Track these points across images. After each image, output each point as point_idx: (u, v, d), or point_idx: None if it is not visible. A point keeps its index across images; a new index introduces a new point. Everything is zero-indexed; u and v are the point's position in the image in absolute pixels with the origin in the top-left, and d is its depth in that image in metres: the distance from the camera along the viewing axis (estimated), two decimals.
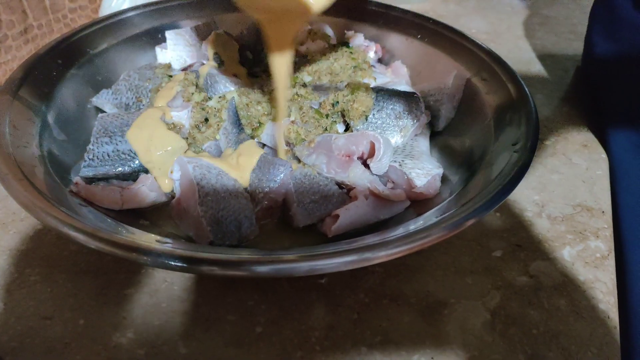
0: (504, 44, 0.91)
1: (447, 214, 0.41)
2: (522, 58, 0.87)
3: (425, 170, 0.51)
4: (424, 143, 0.58)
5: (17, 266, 0.46)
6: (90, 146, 0.50)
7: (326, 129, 0.55)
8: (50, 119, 0.52)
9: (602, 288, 0.47)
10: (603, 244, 0.51)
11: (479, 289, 0.46)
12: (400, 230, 0.41)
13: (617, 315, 0.45)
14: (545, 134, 0.68)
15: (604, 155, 0.64)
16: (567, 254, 0.50)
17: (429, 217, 0.43)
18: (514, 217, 0.54)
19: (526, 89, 0.54)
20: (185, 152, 0.51)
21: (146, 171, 0.49)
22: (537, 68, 0.84)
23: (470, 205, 0.41)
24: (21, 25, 0.69)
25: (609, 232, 0.53)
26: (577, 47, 0.89)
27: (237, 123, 0.54)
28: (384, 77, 0.64)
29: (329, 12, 0.75)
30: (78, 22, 0.78)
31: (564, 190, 0.58)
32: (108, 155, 0.49)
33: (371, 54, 0.69)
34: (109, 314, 0.42)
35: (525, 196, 0.57)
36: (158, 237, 0.40)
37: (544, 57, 0.88)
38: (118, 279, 0.45)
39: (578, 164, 0.62)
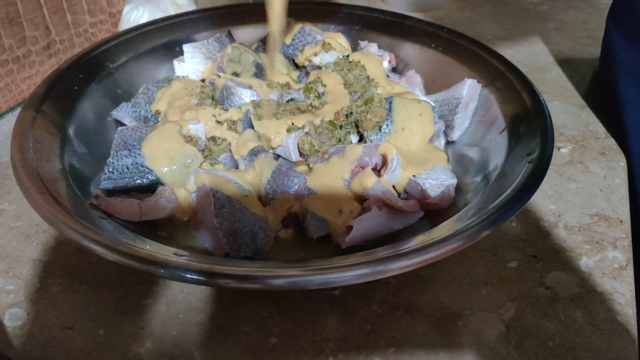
0: (519, 50, 0.91)
1: (460, 225, 0.41)
2: (539, 64, 0.86)
3: (439, 181, 0.51)
4: None
5: (40, 277, 0.48)
6: (110, 159, 0.51)
7: (340, 140, 0.56)
8: (72, 132, 0.54)
9: (620, 300, 0.46)
10: (621, 255, 0.51)
11: (493, 300, 0.46)
12: (413, 242, 0.41)
13: (635, 327, 0.44)
14: (562, 141, 0.67)
15: (622, 163, 0.63)
16: (584, 264, 0.50)
17: (442, 228, 0.43)
18: (530, 227, 0.54)
19: (541, 98, 0.54)
20: (201, 164, 0.52)
21: (164, 183, 0.50)
22: (553, 74, 0.84)
23: (484, 217, 0.41)
24: (44, 41, 0.71)
25: (627, 242, 0.52)
26: (594, 51, 0.88)
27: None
28: (397, 87, 0.65)
29: (343, 21, 0.76)
30: (98, 36, 0.80)
31: (581, 199, 0.58)
32: (127, 168, 0.50)
33: (385, 64, 0.69)
34: (128, 324, 0.43)
35: (542, 205, 0.56)
36: (174, 250, 0.41)
37: (560, 63, 0.87)
38: (137, 290, 0.46)
39: (596, 172, 0.62)
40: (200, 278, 0.36)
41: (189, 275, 0.36)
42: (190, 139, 0.53)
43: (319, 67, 0.68)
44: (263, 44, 0.72)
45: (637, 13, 0.67)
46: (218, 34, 0.71)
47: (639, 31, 0.67)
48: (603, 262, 0.50)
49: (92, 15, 0.78)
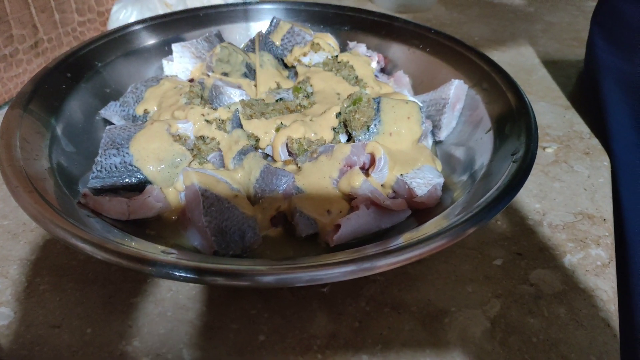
0: (506, 51, 0.92)
1: (446, 223, 0.42)
2: (525, 65, 0.87)
3: (426, 180, 0.51)
4: None
5: (27, 275, 0.47)
6: (98, 158, 0.51)
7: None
8: (60, 131, 0.54)
9: (603, 296, 0.47)
10: (604, 252, 0.52)
11: (479, 297, 0.47)
12: (400, 240, 0.41)
13: (616, 323, 0.45)
14: (547, 141, 0.68)
15: (606, 163, 0.65)
16: (567, 262, 0.51)
17: (429, 226, 0.44)
18: (515, 225, 0.55)
19: (526, 98, 0.55)
20: (190, 163, 0.53)
21: (153, 182, 0.50)
22: (539, 75, 0.85)
23: (469, 215, 0.42)
24: (32, 39, 0.71)
25: (610, 240, 0.53)
26: (580, 53, 0.90)
27: None
28: (385, 87, 0.65)
29: (332, 22, 0.77)
30: (87, 35, 0.80)
31: (565, 198, 0.59)
32: (115, 167, 0.50)
33: (374, 64, 0.70)
34: (116, 322, 0.43)
35: (527, 204, 0.57)
36: (163, 248, 0.41)
37: (546, 64, 0.88)
38: (125, 288, 0.46)
39: (580, 172, 0.63)
40: (188, 275, 0.36)
41: (177, 273, 0.36)
42: (179, 138, 0.53)
43: (308, 67, 0.68)
44: (252, 43, 0.72)
45: (619, 16, 0.68)
46: (207, 34, 0.71)
47: (621, 34, 0.68)
48: (586, 260, 0.51)
49: (81, 14, 0.78)
